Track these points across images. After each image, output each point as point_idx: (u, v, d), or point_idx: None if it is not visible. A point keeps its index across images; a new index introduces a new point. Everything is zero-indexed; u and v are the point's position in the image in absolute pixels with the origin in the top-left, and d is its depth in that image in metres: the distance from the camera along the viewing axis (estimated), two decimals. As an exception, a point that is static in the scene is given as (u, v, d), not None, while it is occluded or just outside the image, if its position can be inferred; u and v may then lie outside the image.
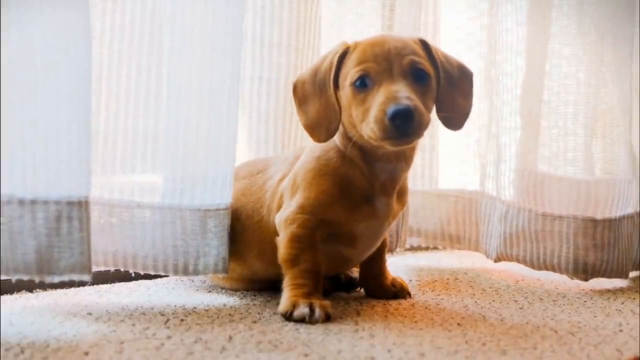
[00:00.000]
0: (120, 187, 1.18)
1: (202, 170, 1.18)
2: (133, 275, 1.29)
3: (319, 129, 1.12)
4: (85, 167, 1.04)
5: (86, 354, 0.89)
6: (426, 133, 1.54)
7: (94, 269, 1.25)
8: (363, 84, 1.06)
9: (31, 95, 1.00)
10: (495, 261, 1.49)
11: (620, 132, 1.47)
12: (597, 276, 1.41)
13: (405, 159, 1.15)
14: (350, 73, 1.08)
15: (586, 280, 1.41)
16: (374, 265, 1.26)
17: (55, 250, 1.01)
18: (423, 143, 1.61)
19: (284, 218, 1.13)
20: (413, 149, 1.15)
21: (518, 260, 1.46)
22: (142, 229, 1.17)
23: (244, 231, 1.21)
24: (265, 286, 1.27)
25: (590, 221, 1.40)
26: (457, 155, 1.67)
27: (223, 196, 1.18)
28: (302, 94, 1.14)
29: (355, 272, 1.33)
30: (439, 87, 1.12)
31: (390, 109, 1.00)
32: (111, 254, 1.17)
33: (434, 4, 1.59)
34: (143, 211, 1.17)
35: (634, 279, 1.50)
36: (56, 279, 1.02)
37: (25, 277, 1.01)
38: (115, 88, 1.18)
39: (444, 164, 1.67)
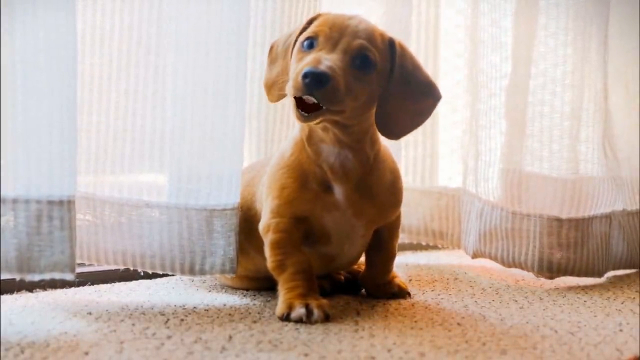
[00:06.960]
0: (129, 186, 1.18)
1: (208, 170, 1.18)
2: (133, 274, 1.29)
3: (274, 87, 1.15)
4: (69, 166, 1.03)
5: (86, 353, 0.89)
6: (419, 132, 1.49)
7: (104, 267, 1.26)
8: (310, 46, 1.07)
9: (13, 94, 0.99)
10: (472, 257, 1.50)
11: (594, 131, 1.47)
12: (563, 275, 1.41)
13: (348, 147, 1.11)
14: (304, 34, 1.09)
15: (551, 278, 1.42)
16: (377, 270, 1.25)
17: (35, 249, 1.01)
18: (414, 139, 1.62)
19: (262, 226, 1.14)
20: (357, 139, 1.11)
21: (491, 257, 1.47)
22: (150, 228, 1.17)
23: (246, 224, 1.21)
24: (268, 286, 1.26)
25: (555, 220, 1.41)
26: (445, 152, 1.67)
27: (230, 196, 1.18)
28: (274, 55, 1.17)
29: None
30: (389, 88, 1.09)
31: (306, 68, 1.01)
32: (121, 252, 1.18)
33: (428, 4, 1.59)
34: (151, 210, 1.17)
35: (634, 278, 1.50)
36: (37, 278, 1.01)
37: (6, 276, 1.01)
38: (124, 87, 1.18)
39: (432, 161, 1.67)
